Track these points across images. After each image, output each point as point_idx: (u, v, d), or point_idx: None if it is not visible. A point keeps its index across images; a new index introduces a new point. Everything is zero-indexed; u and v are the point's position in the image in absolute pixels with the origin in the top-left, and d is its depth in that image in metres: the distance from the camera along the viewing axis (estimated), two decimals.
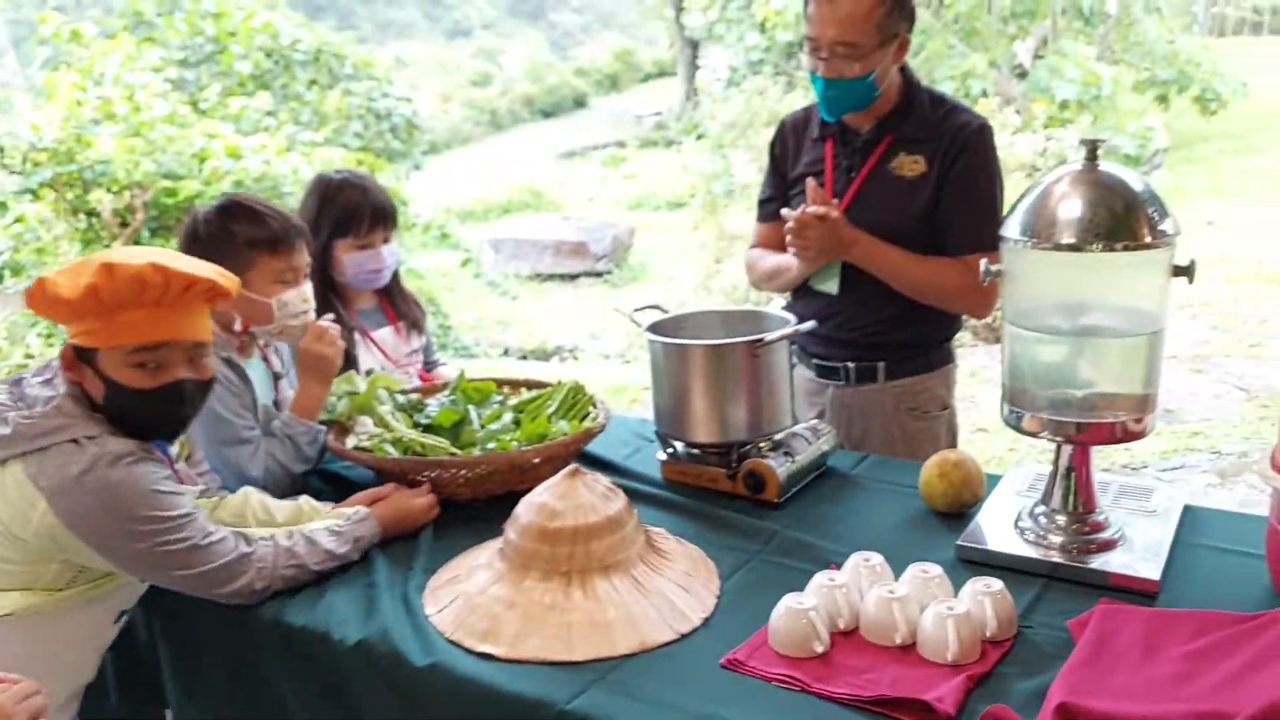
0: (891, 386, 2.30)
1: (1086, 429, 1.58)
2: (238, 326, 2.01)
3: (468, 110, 20.40)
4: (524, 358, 6.89)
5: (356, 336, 2.40)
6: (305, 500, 1.85)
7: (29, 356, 5.10)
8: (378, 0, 42.99)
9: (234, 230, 1.94)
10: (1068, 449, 1.64)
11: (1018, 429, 1.64)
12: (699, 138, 9.31)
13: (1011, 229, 1.58)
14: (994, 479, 1.88)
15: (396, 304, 2.55)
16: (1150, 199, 1.52)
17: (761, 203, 2.46)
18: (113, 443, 1.53)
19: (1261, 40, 19.21)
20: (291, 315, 2.00)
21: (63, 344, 1.59)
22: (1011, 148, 6.93)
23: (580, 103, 23.62)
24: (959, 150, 2.16)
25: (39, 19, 6.21)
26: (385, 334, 2.50)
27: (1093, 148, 1.56)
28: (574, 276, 9.09)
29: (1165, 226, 1.50)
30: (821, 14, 2.08)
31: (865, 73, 2.09)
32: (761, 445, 1.94)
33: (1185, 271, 1.53)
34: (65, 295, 1.49)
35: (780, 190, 2.40)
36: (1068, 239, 1.51)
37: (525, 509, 1.59)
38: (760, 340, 1.89)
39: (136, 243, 5.95)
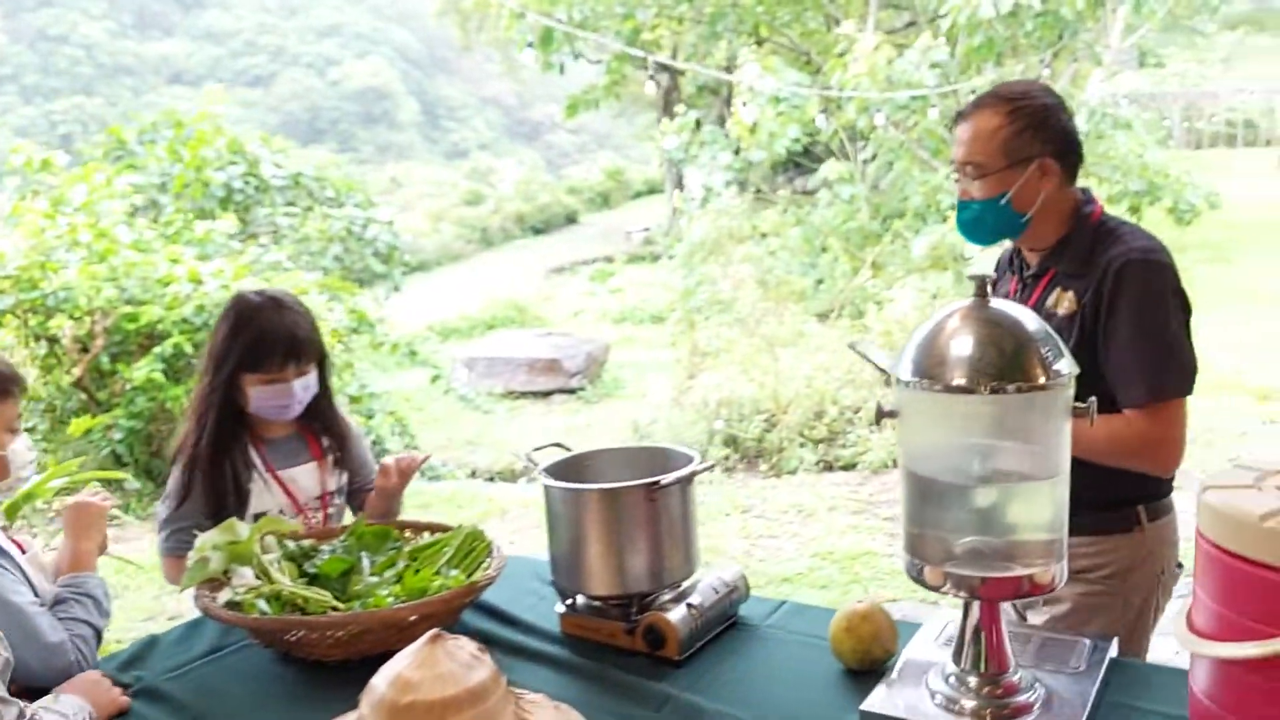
0: None
1: (989, 583, 1.46)
2: None
3: (459, 228, 20.65)
4: (491, 479, 6.73)
5: (256, 474, 2.22)
6: None
7: None
8: (379, 124, 44.30)
9: None
10: (976, 604, 1.52)
11: (920, 583, 1.52)
12: (672, 257, 9.40)
13: (905, 369, 1.49)
14: (909, 629, 1.75)
15: (320, 437, 2.33)
16: (1044, 338, 1.45)
17: None
18: None
19: (1237, 152, 19.62)
20: (23, 465, 1.91)
21: None
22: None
23: (572, 219, 23.99)
24: (1112, 286, 1.88)
25: (12, 150, 6.30)
26: (299, 472, 2.28)
27: (982, 284, 1.49)
28: (547, 394, 9.00)
29: (1060, 366, 1.42)
30: (957, 134, 2.01)
31: (994, 195, 1.95)
32: (664, 596, 1.81)
33: (1084, 413, 1.45)
34: None
35: None
36: (959, 380, 1.42)
37: (381, 680, 1.45)
38: (656, 483, 1.78)
39: (96, 369, 5.89)
